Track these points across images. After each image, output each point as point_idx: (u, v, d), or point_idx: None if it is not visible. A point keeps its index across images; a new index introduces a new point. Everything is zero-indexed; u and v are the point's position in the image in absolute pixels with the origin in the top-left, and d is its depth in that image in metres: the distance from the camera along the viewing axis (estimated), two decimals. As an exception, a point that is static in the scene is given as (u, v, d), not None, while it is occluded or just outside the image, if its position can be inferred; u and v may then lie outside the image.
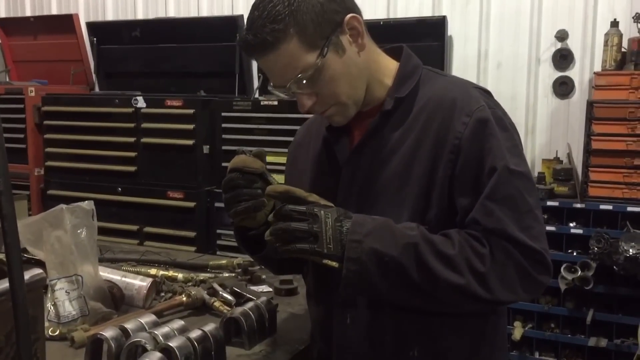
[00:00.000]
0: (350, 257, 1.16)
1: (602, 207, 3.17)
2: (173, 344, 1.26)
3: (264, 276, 1.97)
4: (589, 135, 3.21)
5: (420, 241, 1.16)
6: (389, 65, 1.35)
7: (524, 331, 3.37)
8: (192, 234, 3.76)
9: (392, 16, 4.00)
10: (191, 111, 3.70)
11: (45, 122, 4.14)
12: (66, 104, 4.11)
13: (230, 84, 4.20)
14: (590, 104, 3.23)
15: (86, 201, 1.54)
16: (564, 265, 3.19)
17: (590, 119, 3.20)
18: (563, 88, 3.67)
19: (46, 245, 1.50)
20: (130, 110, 3.86)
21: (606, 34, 3.33)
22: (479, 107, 1.24)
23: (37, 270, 1.20)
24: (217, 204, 3.80)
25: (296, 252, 1.17)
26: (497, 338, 1.38)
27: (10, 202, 0.78)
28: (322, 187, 1.33)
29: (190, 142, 3.71)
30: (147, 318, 1.40)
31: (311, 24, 1.20)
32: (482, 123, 1.22)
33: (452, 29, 3.87)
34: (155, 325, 1.39)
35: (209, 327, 1.35)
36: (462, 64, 3.89)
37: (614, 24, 3.33)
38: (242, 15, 4.25)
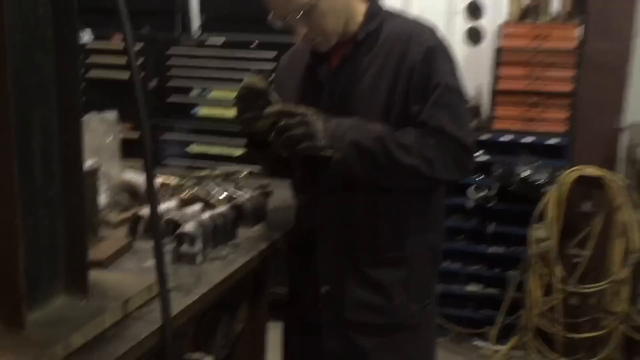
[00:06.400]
0: (337, 147, 1.59)
1: (503, 138, 3.76)
2: (201, 217, 1.64)
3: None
4: (495, 77, 3.77)
5: (386, 134, 1.61)
6: (360, 6, 1.77)
7: (437, 244, 3.94)
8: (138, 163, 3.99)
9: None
10: (139, 45, 3.89)
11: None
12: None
13: (170, 22, 4.38)
14: (498, 50, 3.78)
15: (109, 111, 1.84)
16: (471, 187, 3.78)
17: (498, 63, 3.75)
18: (475, 36, 4.20)
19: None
20: (76, 44, 3.97)
21: (512, -11, 3.86)
22: (429, 38, 1.69)
23: (92, 160, 1.52)
24: (161, 137, 4.07)
25: (302, 150, 1.58)
26: (437, 216, 1.87)
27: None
28: (307, 102, 1.73)
29: (138, 76, 3.91)
30: (172, 204, 1.77)
31: None
32: (431, 50, 1.67)
33: (379, -20, 4.24)
34: (178, 209, 1.76)
35: (223, 209, 1.74)
36: (388, 12, 4.28)
37: (519, -20, 3.86)
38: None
